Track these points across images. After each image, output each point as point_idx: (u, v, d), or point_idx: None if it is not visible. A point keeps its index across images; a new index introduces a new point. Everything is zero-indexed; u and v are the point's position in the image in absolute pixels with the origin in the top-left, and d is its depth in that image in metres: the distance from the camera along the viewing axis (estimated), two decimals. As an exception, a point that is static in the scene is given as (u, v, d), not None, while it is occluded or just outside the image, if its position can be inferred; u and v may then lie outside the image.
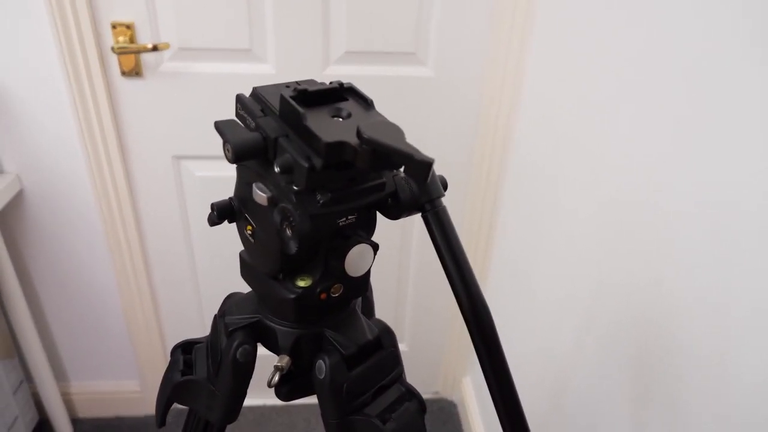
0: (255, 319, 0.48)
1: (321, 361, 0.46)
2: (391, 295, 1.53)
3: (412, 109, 1.26)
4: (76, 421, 1.54)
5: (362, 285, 0.47)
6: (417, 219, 1.38)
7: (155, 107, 1.21)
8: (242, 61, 1.18)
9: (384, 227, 1.60)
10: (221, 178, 1.30)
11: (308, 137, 0.36)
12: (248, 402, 1.69)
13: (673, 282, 0.68)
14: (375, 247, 0.44)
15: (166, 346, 1.54)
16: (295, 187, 0.38)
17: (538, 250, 1.13)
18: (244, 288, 1.62)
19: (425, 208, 0.38)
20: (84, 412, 1.57)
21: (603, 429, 0.87)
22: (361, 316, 0.50)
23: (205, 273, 1.44)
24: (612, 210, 0.85)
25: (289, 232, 0.39)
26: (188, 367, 0.51)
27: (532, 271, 1.17)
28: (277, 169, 0.38)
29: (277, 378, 0.46)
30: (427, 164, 0.32)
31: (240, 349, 0.47)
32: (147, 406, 1.58)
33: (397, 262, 1.45)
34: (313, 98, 0.39)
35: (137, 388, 1.56)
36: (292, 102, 0.37)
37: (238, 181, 0.45)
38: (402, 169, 0.39)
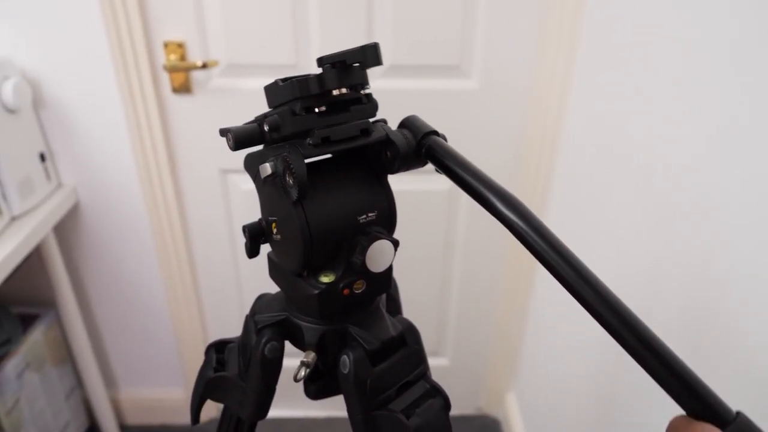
0: (282, 317, 0.49)
1: (345, 356, 0.46)
2: (433, 308, 1.52)
3: (456, 122, 1.26)
4: (124, 428, 1.59)
5: (384, 282, 0.47)
6: (459, 229, 1.36)
7: (204, 122, 1.26)
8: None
9: (426, 241, 1.59)
10: (264, 191, 1.33)
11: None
12: (290, 413, 1.70)
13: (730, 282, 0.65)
14: (395, 244, 0.44)
15: (210, 357, 1.58)
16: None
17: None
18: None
19: (423, 143, 0.41)
20: (132, 418, 1.61)
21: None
22: (385, 313, 0.50)
23: (249, 283, 1.47)
24: (660, 217, 0.82)
25: (290, 180, 0.40)
26: (221, 365, 0.52)
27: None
28: (266, 128, 0.41)
29: (303, 373, 0.47)
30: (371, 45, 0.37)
31: (268, 346, 0.47)
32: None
33: (440, 275, 1.44)
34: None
35: (182, 395, 1.60)
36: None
37: (259, 187, 0.47)
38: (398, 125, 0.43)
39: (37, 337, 1.33)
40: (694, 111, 0.72)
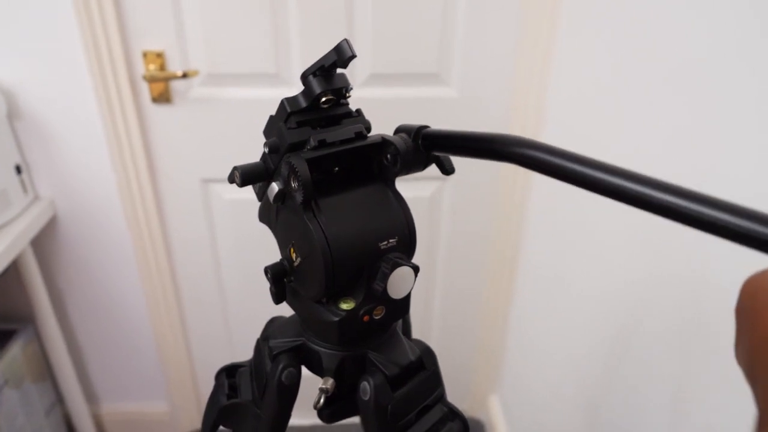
0: (299, 342, 0.49)
1: (365, 382, 0.46)
2: (417, 310, 1.53)
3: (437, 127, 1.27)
4: (106, 443, 1.56)
5: (403, 307, 0.48)
6: (441, 236, 1.38)
7: (184, 132, 1.24)
8: (269, 86, 1.20)
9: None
10: (249, 201, 1.31)
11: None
12: (292, 422, 1.70)
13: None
14: (416, 270, 0.45)
15: (194, 367, 1.56)
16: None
17: (568, 261, 1.13)
18: (273, 310, 1.62)
19: (419, 135, 0.43)
20: (114, 433, 1.58)
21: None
22: (402, 336, 0.50)
23: (233, 294, 1.46)
24: (646, 226, 0.84)
25: (295, 184, 0.40)
26: (233, 391, 0.52)
27: (562, 284, 1.16)
28: (266, 149, 0.44)
29: (322, 400, 0.47)
30: (342, 42, 0.40)
31: (285, 372, 0.47)
32: (175, 427, 1.58)
33: (422, 280, 1.45)
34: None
35: (166, 409, 1.57)
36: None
37: (274, 225, 0.48)
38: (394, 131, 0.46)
39: (15, 353, 1.29)
40: (676, 116, 0.75)
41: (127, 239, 1.32)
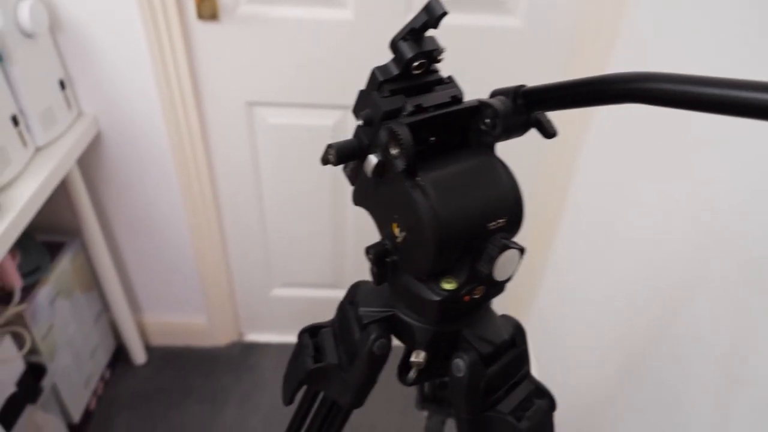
0: (390, 313, 0.48)
1: (459, 359, 0.46)
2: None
3: (493, 64, 1.20)
4: (149, 348, 1.64)
5: (502, 286, 0.46)
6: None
7: (230, 52, 1.19)
8: (320, 5, 1.13)
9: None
10: (294, 126, 1.29)
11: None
12: (290, 339, 1.75)
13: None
14: (523, 252, 0.43)
15: (232, 285, 1.60)
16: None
17: (620, 206, 1.10)
18: (312, 236, 1.64)
19: (518, 94, 0.40)
20: (156, 340, 1.66)
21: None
22: (494, 313, 0.50)
23: (273, 217, 1.46)
24: (702, 166, 0.81)
25: (396, 150, 0.39)
26: (317, 352, 0.52)
27: (609, 230, 1.14)
28: (360, 123, 0.43)
29: (413, 374, 0.47)
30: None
31: (377, 343, 0.47)
32: (213, 338, 1.65)
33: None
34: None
35: (204, 322, 1.63)
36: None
37: (372, 205, 0.47)
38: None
39: (64, 265, 1.32)
40: None
41: (170, 159, 1.31)
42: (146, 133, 1.27)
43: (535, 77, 1.19)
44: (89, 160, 1.30)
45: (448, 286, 0.44)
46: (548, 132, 0.44)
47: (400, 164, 0.40)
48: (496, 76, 1.21)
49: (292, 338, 1.75)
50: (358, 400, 0.51)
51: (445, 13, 0.40)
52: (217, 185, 1.39)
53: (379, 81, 0.43)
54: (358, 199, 0.48)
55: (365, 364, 0.48)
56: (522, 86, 0.42)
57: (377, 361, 0.48)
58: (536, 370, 1.54)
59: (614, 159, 1.14)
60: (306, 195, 1.41)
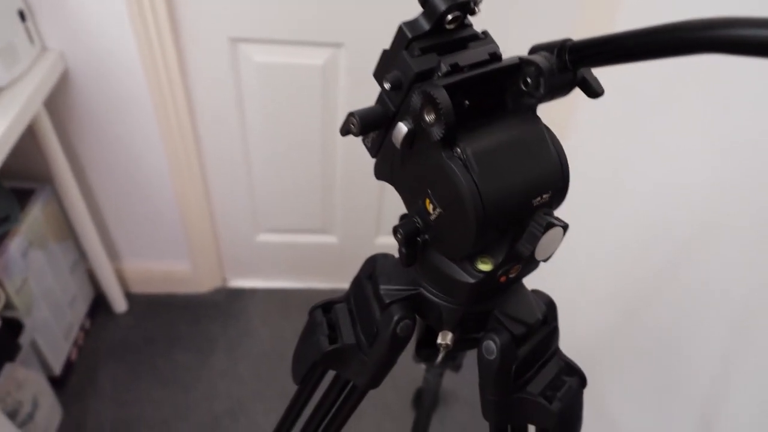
0: (414, 292, 0.44)
1: (491, 341, 0.42)
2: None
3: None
4: (130, 296, 1.59)
5: (538, 262, 0.42)
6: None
7: (211, -19, 1.08)
8: (311, -69, 1.03)
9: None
10: (281, 65, 1.20)
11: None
12: (295, 285, 1.72)
13: None
14: (566, 229, 0.39)
15: (216, 230, 1.54)
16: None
17: (622, 151, 1.07)
18: (299, 178, 1.56)
19: (563, 49, 0.35)
20: (137, 287, 1.60)
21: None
22: (527, 289, 0.46)
23: (258, 160, 1.39)
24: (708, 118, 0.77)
25: (431, 117, 0.35)
26: (332, 329, 0.48)
27: (612, 178, 1.11)
28: (386, 86, 0.38)
29: (441, 356, 0.43)
30: None
31: (401, 324, 0.43)
32: (197, 284, 1.61)
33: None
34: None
35: (188, 268, 1.58)
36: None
37: (398, 174, 0.42)
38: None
39: (35, 214, 1.24)
40: None
41: (148, 99, 1.21)
42: (120, 70, 1.17)
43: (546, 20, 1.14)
44: (58, 100, 1.20)
45: (484, 267, 0.39)
46: (595, 91, 0.39)
47: (437, 132, 0.34)
48: (506, 10, 1.14)
49: (278, 284, 1.74)
50: (376, 381, 0.47)
51: None
52: (199, 127, 1.31)
53: (408, 38, 0.37)
54: (381, 173, 0.43)
55: (387, 346, 0.44)
56: (568, 40, 0.37)
57: (400, 343, 0.44)
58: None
59: (617, 102, 1.09)
60: (294, 137, 1.34)
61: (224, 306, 1.61)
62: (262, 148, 1.36)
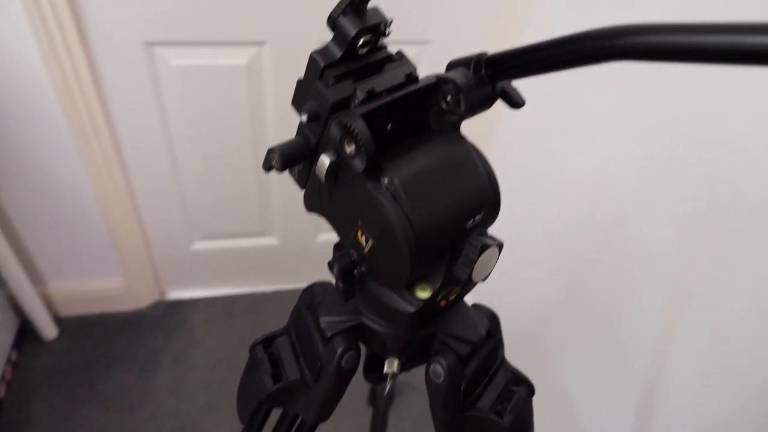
0: (357, 322, 0.43)
1: (437, 365, 0.42)
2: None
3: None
4: (60, 320, 1.50)
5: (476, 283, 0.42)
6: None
7: (117, -17, 1.01)
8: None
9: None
10: (202, 67, 1.15)
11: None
12: (240, 290, 1.66)
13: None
14: (501, 247, 0.38)
15: (148, 242, 1.47)
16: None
17: (550, 142, 1.09)
18: (232, 181, 1.50)
19: (478, 63, 0.34)
20: (68, 310, 1.51)
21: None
22: (468, 306, 0.45)
23: (186, 166, 1.33)
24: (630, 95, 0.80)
25: (351, 148, 0.33)
26: (275, 366, 0.46)
27: (541, 166, 1.13)
28: (303, 118, 0.36)
29: (389, 385, 0.42)
30: None
31: (345, 356, 0.42)
32: (133, 300, 1.54)
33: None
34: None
35: (121, 284, 1.51)
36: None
37: (331, 211, 0.40)
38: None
39: (-57, 244, 1.14)
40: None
41: (59, 112, 1.13)
42: (26, 84, 1.08)
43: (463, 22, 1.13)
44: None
45: (423, 294, 0.38)
46: (516, 101, 0.38)
47: (360, 164, 0.33)
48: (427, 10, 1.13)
49: (220, 291, 1.68)
50: (325, 414, 0.46)
51: None
52: (119, 136, 1.23)
53: (320, 67, 0.35)
54: (311, 204, 0.41)
55: (333, 380, 0.43)
56: (483, 54, 0.36)
57: (346, 375, 0.43)
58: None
59: (532, 102, 1.10)
60: (223, 140, 1.29)
61: (164, 319, 1.55)
62: (190, 154, 1.30)
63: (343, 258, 0.38)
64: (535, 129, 1.16)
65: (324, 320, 0.43)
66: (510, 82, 0.37)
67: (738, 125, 0.68)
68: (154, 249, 1.49)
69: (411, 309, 0.38)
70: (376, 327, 0.42)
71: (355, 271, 0.39)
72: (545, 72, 0.32)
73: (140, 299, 1.55)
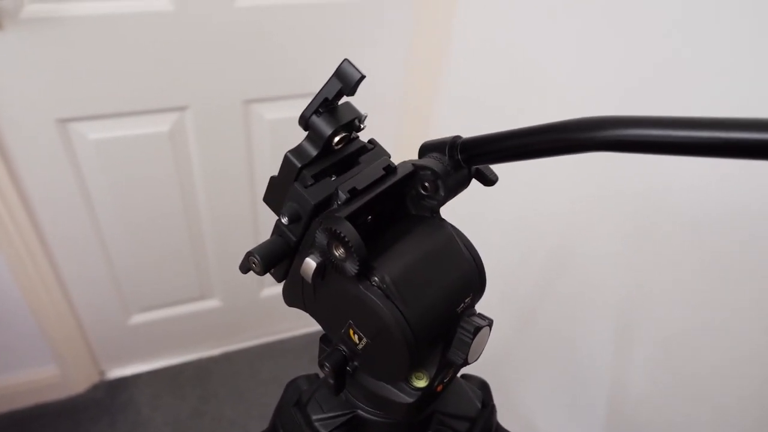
0: (350, 415, 0.42)
1: (438, 448, 0.42)
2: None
3: (337, 41, 1.12)
4: (-11, 420, 1.37)
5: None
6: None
7: (24, 63, 0.96)
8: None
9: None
10: (121, 139, 1.10)
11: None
12: (186, 358, 1.58)
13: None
14: (491, 325, 0.39)
15: (82, 323, 1.38)
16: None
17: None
18: (159, 243, 1.44)
19: (453, 147, 0.36)
20: (-2, 408, 1.39)
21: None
22: (462, 381, 0.45)
23: (114, 239, 1.26)
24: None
25: (339, 252, 0.33)
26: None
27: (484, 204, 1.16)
28: (284, 220, 0.36)
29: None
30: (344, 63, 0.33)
31: (343, 455, 0.41)
32: (70, 386, 1.43)
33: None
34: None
35: (55, 371, 1.40)
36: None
37: (316, 308, 0.39)
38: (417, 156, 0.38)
39: None
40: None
41: (-33, 202, 1.05)
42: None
43: (383, 46, 1.15)
44: None
45: (420, 383, 0.38)
46: (490, 180, 0.40)
47: (351, 268, 0.33)
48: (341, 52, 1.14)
49: (164, 362, 1.59)
50: None
51: (362, 78, 0.33)
52: (39, 218, 1.15)
53: (297, 168, 0.35)
54: (292, 299, 0.40)
55: (332, 480, 0.41)
56: (457, 138, 0.37)
57: (345, 472, 0.42)
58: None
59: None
60: (151, 209, 1.23)
61: (106, 402, 1.45)
62: (118, 227, 1.24)
63: (334, 355, 0.37)
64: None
65: (317, 419, 0.42)
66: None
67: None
68: (88, 329, 1.40)
69: (410, 400, 0.38)
70: (373, 417, 0.41)
71: (348, 366, 0.38)
72: (520, 159, 0.33)
73: (78, 383, 1.44)
